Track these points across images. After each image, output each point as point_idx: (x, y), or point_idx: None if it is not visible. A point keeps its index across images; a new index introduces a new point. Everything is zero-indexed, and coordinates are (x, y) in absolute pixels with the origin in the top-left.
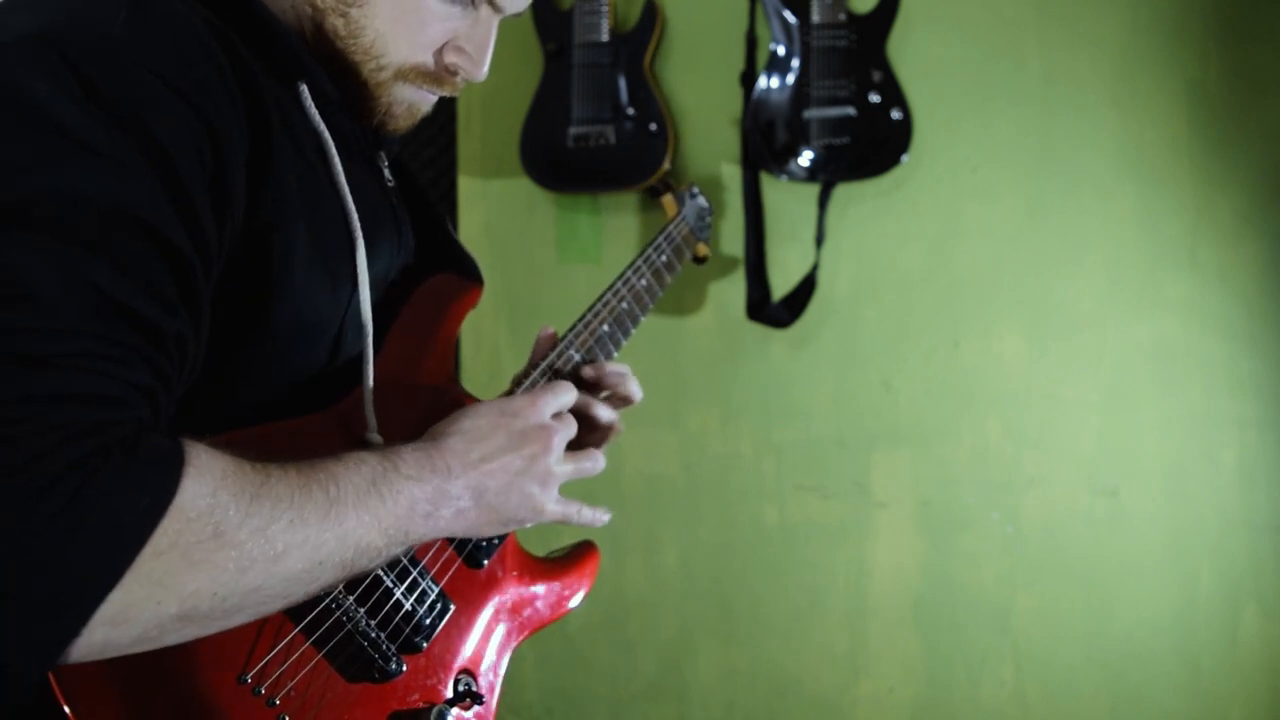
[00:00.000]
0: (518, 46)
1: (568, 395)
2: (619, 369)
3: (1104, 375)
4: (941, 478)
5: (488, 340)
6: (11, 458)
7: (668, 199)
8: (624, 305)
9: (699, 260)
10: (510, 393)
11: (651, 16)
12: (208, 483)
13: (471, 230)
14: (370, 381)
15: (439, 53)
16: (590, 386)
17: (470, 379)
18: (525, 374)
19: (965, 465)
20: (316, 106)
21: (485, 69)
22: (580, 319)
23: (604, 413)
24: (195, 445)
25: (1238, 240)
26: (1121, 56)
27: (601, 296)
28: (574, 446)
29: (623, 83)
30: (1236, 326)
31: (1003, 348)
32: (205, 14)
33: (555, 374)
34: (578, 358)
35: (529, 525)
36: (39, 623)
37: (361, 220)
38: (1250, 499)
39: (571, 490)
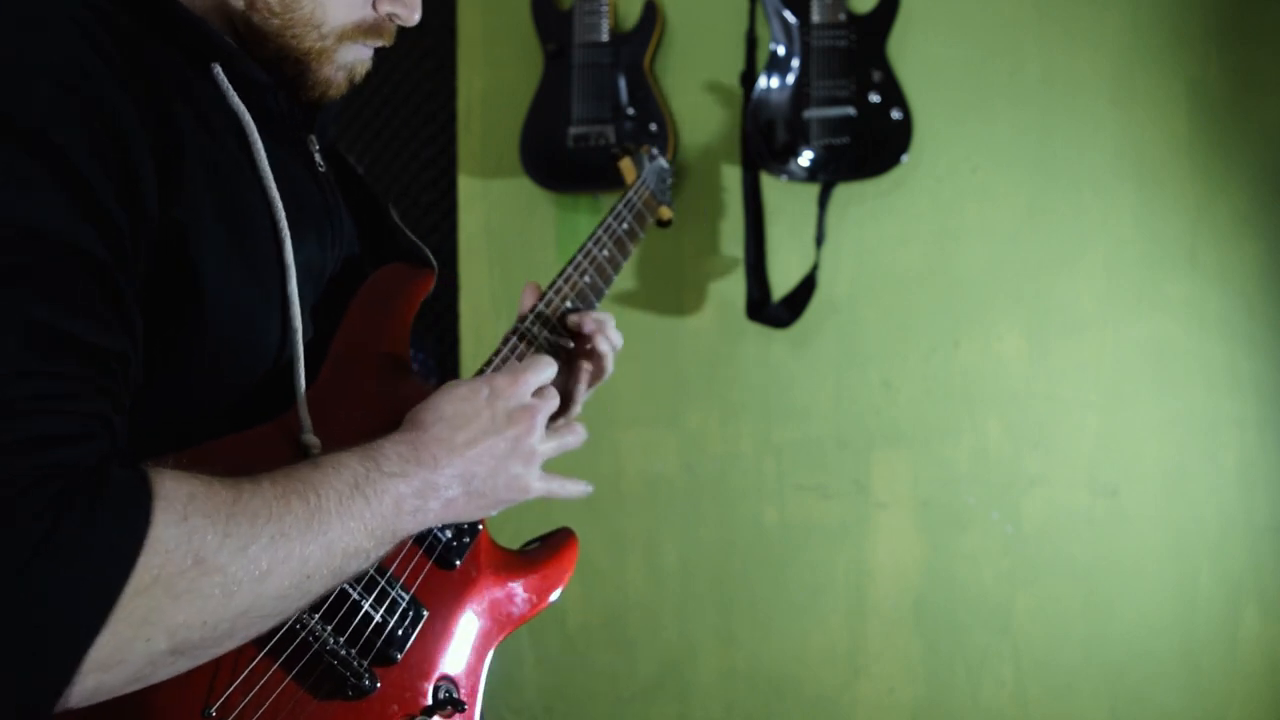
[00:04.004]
0: (518, 46)
1: (549, 370)
2: (600, 316)
3: (1104, 375)
4: (941, 478)
5: (488, 340)
6: None
7: (625, 163)
8: (587, 279)
9: (663, 224)
10: (495, 353)
11: (651, 16)
12: (178, 509)
13: (471, 230)
14: (302, 380)
15: (374, 4)
16: (576, 334)
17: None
18: (509, 337)
19: (965, 465)
20: (235, 89)
21: (418, 13)
22: (542, 296)
23: (604, 345)
24: (159, 471)
25: (1238, 240)
26: (1121, 56)
27: (563, 271)
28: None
29: (623, 83)
30: (1236, 326)
31: (1003, 348)
32: (100, 6)
33: (519, 356)
34: (544, 335)
35: (515, 504)
36: (27, 677)
37: (286, 206)
38: (1250, 499)
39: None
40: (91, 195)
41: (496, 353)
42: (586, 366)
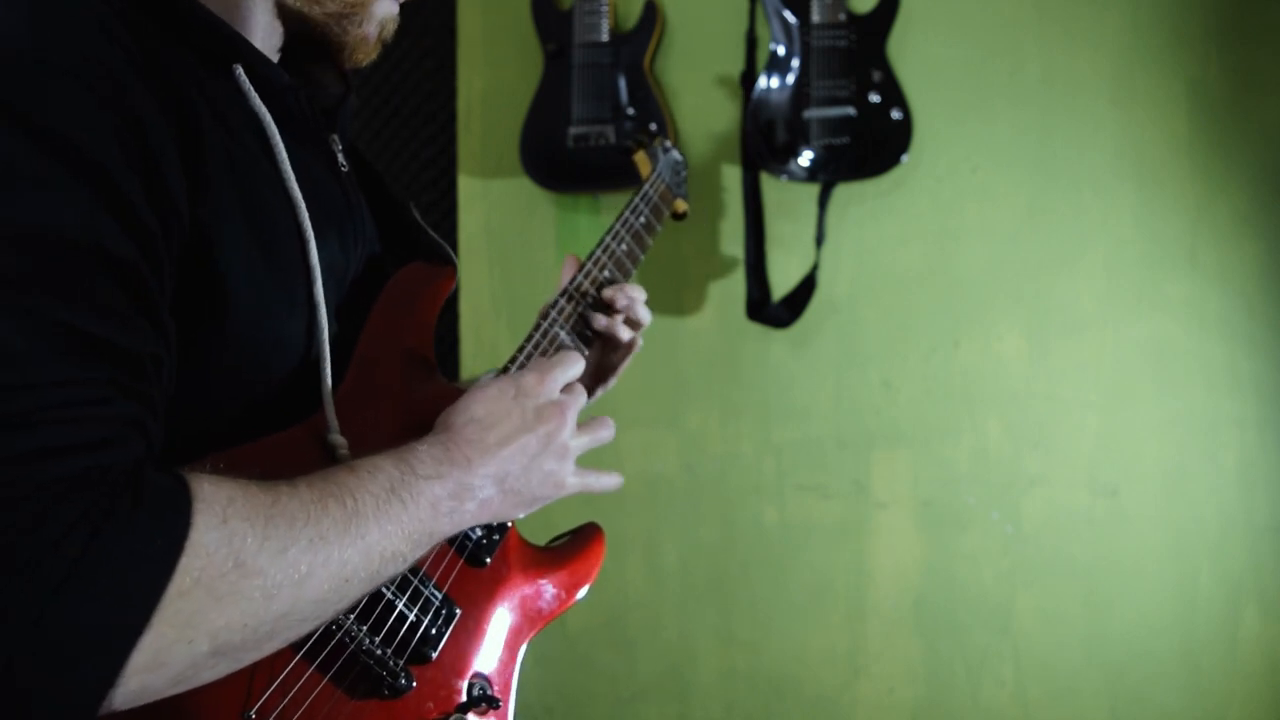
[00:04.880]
0: (518, 46)
1: (576, 366)
2: (634, 293)
3: (1104, 375)
4: (941, 478)
5: (488, 340)
6: (12, 523)
7: (640, 156)
8: (605, 274)
9: (678, 217)
10: (535, 328)
11: (651, 16)
12: (217, 512)
13: (471, 230)
14: (329, 381)
15: None
16: (607, 307)
17: (471, 379)
18: (511, 362)
19: (965, 465)
20: (256, 90)
21: None
22: (563, 292)
23: (624, 331)
24: (197, 475)
25: (1238, 240)
26: (1121, 56)
27: (583, 265)
28: (595, 370)
29: (623, 83)
30: (1236, 326)
31: (1003, 348)
32: (117, 8)
33: (541, 352)
34: (564, 334)
35: (551, 501)
36: (73, 679)
37: (310, 208)
38: (1250, 499)
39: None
40: (120, 198)
41: (537, 328)
42: (617, 343)
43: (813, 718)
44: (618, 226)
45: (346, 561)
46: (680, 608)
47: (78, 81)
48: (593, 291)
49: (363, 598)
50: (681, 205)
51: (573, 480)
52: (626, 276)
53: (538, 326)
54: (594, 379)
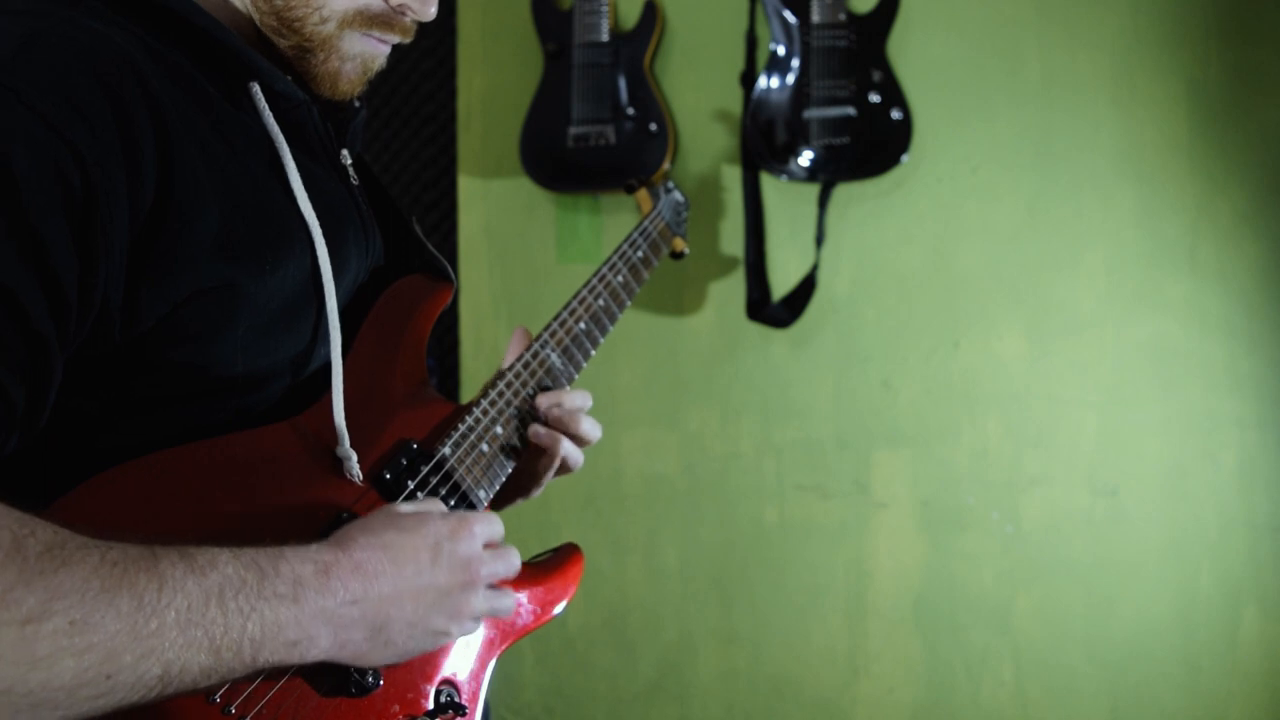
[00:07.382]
0: (518, 46)
1: (497, 526)
2: (576, 404)
3: (1104, 375)
4: (941, 478)
5: (488, 340)
6: None
7: (642, 194)
8: (600, 303)
9: (676, 256)
10: (481, 396)
11: (651, 16)
12: None
13: (471, 230)
14: (340, 395)
15: None
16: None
17: (471, 379)
18: (498, 377)
19: (965, 465)
20: (271, 107)
21: (434, 7)
22: (556, 317)
23: (565, 448)
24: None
25: (1238, 240)
26: (1121, 56)
27: (578, 294)
28: (521, 473)
29: (623, 83)
30: (1236, 326)
31: (1003, 348)
32: (130, 32)
33: (530, 373)
34: (554, 358)
35: (414, 657)
36: None
37: (324, 223)
38: (1250, 499)
39: (576, 484)
40: (29, 231)
41: (498, 378)
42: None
43: (813, 718)
44: (614, 259)
45: (111, 657)
46: (680, 608)
47: (36, 112)
48: (586, 318)
49: (135, 704)
50: (680, 244)
51: (456, 632)
52: (621, 308)
53: (528, 345)
54: (515, 488)
